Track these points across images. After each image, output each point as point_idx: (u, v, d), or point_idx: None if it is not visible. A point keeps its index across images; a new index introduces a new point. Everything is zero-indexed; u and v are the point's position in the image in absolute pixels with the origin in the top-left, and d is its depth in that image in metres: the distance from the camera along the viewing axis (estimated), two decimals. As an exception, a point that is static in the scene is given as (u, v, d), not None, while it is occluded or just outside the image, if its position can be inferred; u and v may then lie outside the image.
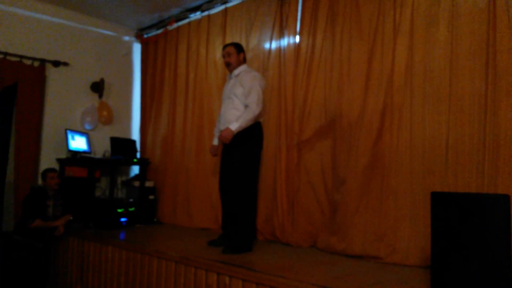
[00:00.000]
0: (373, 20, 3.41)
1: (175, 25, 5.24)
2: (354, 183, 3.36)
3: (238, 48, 3.52)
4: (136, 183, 5.09)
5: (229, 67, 3.50)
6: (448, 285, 2.03)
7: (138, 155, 5.50)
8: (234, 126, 3.23)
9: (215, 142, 3.78)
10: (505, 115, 2.70)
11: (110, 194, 4.92)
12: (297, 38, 3.94)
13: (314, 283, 2.36)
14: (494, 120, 2.73)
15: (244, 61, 3.54)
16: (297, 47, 3.91)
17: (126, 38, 5.76)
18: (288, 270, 2.70)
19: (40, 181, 4.41)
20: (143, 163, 5.27)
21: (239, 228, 3.34)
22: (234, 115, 3.33)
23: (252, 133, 3.35)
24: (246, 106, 3.31)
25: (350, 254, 3.27)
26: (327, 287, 2.30)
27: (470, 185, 2.78)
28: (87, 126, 5.21)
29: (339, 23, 3.62)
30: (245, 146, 3.32)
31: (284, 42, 4.02)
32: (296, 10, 3.95)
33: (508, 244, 1.94)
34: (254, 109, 3.27)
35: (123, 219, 4.62)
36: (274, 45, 4.12)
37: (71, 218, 4.14)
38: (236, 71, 3.48)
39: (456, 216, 2.04)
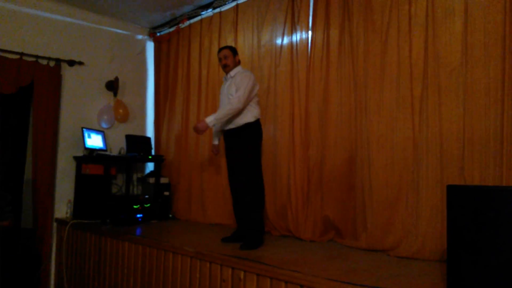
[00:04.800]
0: (385, 12, 3.37)
1: (187, 23, 5.27)
2: (372, 177, 3.34)
3: (234, 51, 3.67)
4: (151, 180, 5.14)
5: (226, 68, 3.64)
6: (464, 279, 2.00)
7: (153, 152, 5.55)
8: (209, 119, 3.39)
9: (216, 141, 3.94)
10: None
11: (126, 191, 5.00)
12: (310, 33, 3.93)
13: (328, 277, 2.36)
14: (510, 110, 2.69)
15: (239, 62, 3.68)
16: (312, 42, 3.88)
17: (140, 36, 5.81)
18: (302, 264, 2.70)
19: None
20: (158, 160, 5.32)
21: (253, 223, 3.39)
22: (235, 116, 3.45)
23: (251, 131, 3.45)
24: (232, 99, 3.40)
25: (365, 248, 3.26)
26: (341, 281, 2.30)
27: (487, 178, 2.75)
28: (104, 125, 5.29)
29: (353, 17, 3.59)
30: (246, 143, 3.42)
31: (297, 37, 4.01)
32: (308, 5, 3.93)
33: (525, 237, 1.90)
34: (234, 104, 3.38)
35: (139, 215, 4.67)
36: (286, 40, 4.11)
37: None
38: (232, 73, 3.61)
39: (472, 210, 2.02)
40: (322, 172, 3.72)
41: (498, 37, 2.79)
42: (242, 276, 2.76)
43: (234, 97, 3.39)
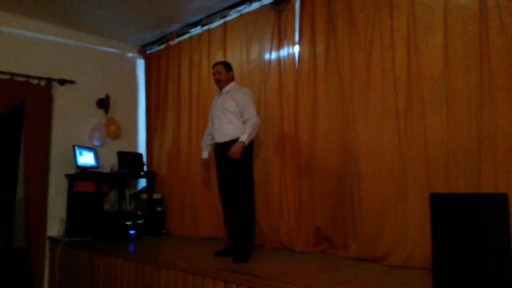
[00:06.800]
0: (368, 27, 3.47)
1: (176, 40, 5.35)
2: (361, 188, 3.40)
3: (227, 66, 3.76)
4: (144, 196, 5.16)
5: (219, 84, 3.72)
6: (450, 285, 2.05)
7: (145, 168, 5.58)
8: (244, 138, 3.42)
9: (205, 155, 3.99)
10: (501, 111, 2.74)
11: (118, 207, 5.01)
12: (296, 48, 4.02)
13: (319, 288, 2.40)
14: (490, 117, 2.78)
15: (232, 78, 3.76)
16: (299, 56, 3.97)
17: (130, 54, 5.88)
18: (294, 276, 2.74)
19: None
20: (150, 175, 5.35)
21: (245, 236, 3.44)
22: (231, 129, 3.56)
23: (246, 146, 3.49)
24: (247, 120, 3.52)
25: (356, 258, 3.31)
26: (332, 291, 2.34)
27: (471, 186, 2.82)
28: (96, 142, 5.31)
29: (337, 32, 3.69)
30: (242, 158, 3.45)
31: (284, 52, 4.10)
32: (294, 21, 4.03)
33: (507, 243, 1.96)
34: (256, 121, 3.53)
35: (132, 232, 4.68)
36: (274, 56, 4.19)
37: None
38: (227, 88, 3.70)
39: (455, 217, 2.07)
40: (313, 184, 3.77)
41: (475, 50, 2.89)
42: (235, 289, 2.78)
43: (248, 117, 3.50)
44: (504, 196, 2.04)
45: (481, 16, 2.87)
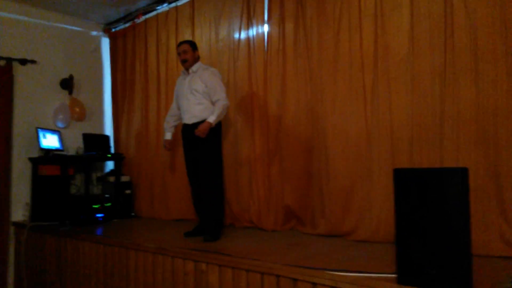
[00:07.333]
0: (337, 6, 3.47)
1: (142, 18, 5.20)
2: (329, 165, 3.44)
3: (193, 45, 3.68)
4: (112, 179, 5.08)
5: (185, 63, 3.63)
6: (412, 258, 2.10)
7: (112, 150, 5.46)
8: (212, 119, 3.39)
9: (169, 136, 3.93)
10: (463, 90, 2.81)
11: (85, 191, 4.91)
12: (266, 27, 3.98)
13: (287, 263, 2.43)
14: (453, 96, 2.85)
15: (198, 58, 3.69)
16: (268, 36, 3.93)
17: (94, 33, 5.68)
18: (263, 253, 2.76)
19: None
20: (118, 158, 5.24)
21: (216, 216, 3.46)
22: (200, 110, 3.51)
23: (215, 127, 3.47)
24: (216, 101, 3.47)
25: (324, 234, 3.37)
26: (299, 266, 2.37)
27: (434, 161, 2.90)
28: (60, 124, 5.15)
29: (306, 10, 3.66)
30: (211, 138, 3.44)
31: (253, 31, 4.06)
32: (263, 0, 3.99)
33: (467, 216, 2.02)
34: (226, 103, 3.50)
35: (99, 215, 4.60)
36: (243, 35, 4.14)
37: None
38: (193, 68, 3.63)
39: (418, 191, 2.12)
40: (282, 163, 3.79)
41: (440, 28, 2.94)
42: (204, 268, 2.79)
43: (218, 98, 3.45)
44: (464, 170, 2.08)
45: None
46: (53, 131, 5.00)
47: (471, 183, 2.33)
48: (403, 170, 2.22)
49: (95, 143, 5.17)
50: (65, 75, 5.25)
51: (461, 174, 2.09)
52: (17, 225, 4.66)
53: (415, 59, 3.05)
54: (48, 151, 4.75)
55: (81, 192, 5.08)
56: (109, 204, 4.74)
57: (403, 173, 2.19)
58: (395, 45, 3.16)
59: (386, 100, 3.18)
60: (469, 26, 2.81)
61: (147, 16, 5.16)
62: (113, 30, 5.66)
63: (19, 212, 4.76)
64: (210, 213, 3.46)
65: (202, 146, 3.47)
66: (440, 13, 2.95)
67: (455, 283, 1.92)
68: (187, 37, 4.57)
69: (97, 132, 5.55)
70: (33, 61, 4.97)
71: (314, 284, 2.26)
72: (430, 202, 2.11)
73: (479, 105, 2.75)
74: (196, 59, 3.66)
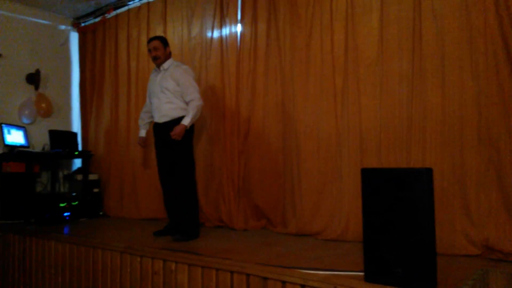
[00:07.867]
0: (309, 8, 3.51)
1: (113, 13, 5.10)
2: (300, 165, 3.47)
3: (164, 42, 3.57)
4: (79, 177, 4.95)
5: (157, 60, 3.52)
6: (379, 257, 2.15)
7: (80, 147, 5.33)
8: (187, 121, 3.32)
9: (143, 133, 3.86)
10: (430, 94, 2.90)
11: (51, 189, 4.78)
12: (238, 27, 3.98)
13: (257, 262, 2.44)
14: (420, 99, 2.93)
15: (170, 54, 3.59)
16: (241, 35, 3.94)
17: (62, 27, 5.53)
18: (233, 252, 2.77)
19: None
20: (85, 155, 5.12)
21: (188, 216, 3.40)
22: (171, 109, 3.43)
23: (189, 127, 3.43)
24: (190, 101, 3.39)
25: (295, 234, 3.40)
26: (269, 265, 2.39)
27: (401, 162, 2.99)
28: (25, 120, 4.99)
29: (279, 11, 3.69)
30: (185, 139, 3.37)
31: (226, 31, 4.05)
32: (236, -1, 3.99)
33: (431, 216, 2.08)
34: (200, 104, 3.42)
35: (66, 214, 4.49)
36: (216, 33, 4.13)
37: None
38: (165, 65, 3.52)
39: (385, 191, 2.16)
40: (252, 162, 3.81)
41: (409, 33, 3.02)
42: (173, 268, 2.76)
43: (191, 99, 3.36)
44: (429, 170, 2.15)
45: (415, 0, 2.99)
46: (18, 127, 4.84)
47: (437, 184, 2.40)
48: (371, 170, 2.26)
49: (62, 140, 5.04)
50: (32, 69, 5.09)
51: (426, 174, 2.15)
52: (-21, 224, 4.48)
53: (384, 63, 3.13)
54: (12, 148, 4.60)
55: (47, 190, 4.93)
56: (76, 203, 4.63)
57: (370, 173, 2.23)
58: (365, 48, 3.23)
59: (355, 102, 3.25)
60: (436, 31, 2.90)
61: (118, 11, 5.07)
62: (83, 24, 5.52)
63: (-20, 210, 4.58)
64: (186, 213, 3.40)
65: (176, 147, 3.40)
66: (409, 18, 3.03)
67: (421, 281, 1.97)
68: (159, 33, 4.50)
69: (64, 128, 5.41)
70: (-3, 55, 4.80)
71: (284, 282, 2.28)
72: (396, 201, 2.16)
73: (445, 108, 2.85)
74: (168, 56, 3.56)
